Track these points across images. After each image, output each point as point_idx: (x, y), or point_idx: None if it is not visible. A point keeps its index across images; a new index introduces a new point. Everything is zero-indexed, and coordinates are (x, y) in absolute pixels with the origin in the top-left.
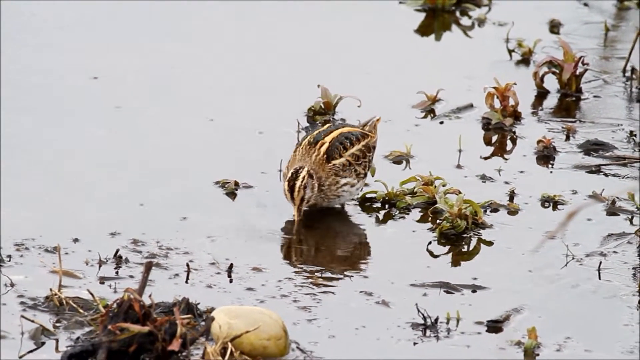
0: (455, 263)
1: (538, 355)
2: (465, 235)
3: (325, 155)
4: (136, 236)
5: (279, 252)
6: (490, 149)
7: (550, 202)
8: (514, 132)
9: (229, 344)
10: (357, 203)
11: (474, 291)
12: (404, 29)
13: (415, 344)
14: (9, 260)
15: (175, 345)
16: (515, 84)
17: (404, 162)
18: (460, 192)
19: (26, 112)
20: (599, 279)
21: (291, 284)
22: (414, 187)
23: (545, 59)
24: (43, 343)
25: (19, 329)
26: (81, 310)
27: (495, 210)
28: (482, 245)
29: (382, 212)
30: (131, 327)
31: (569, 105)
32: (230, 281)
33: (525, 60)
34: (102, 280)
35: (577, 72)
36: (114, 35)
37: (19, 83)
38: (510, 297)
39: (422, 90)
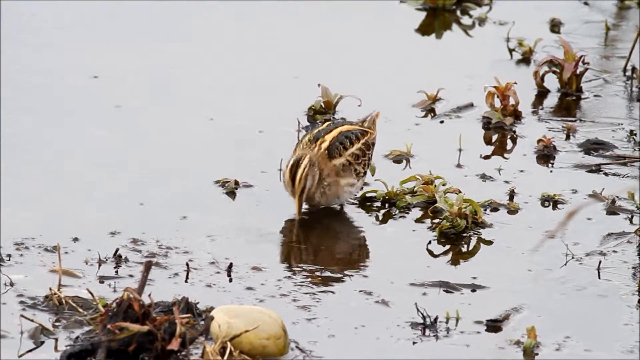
0: (455, 262)
1: (537, 354)
2: (465, 234)
3: (326, 152)
4: (136, 235)
5: (278, 251)
6: (491, 148)
7: (550, 201)
8: (514, 132)
9: (228, 343)
10: (357, 202)
11: (473, 290)
12: (405, 28)
13: (414, 343)
14: (9, 260)
15: (174, 345)
16: (515, 83)
17: (404, 161)
18: (460, 192)
19: (26, 112)
20: (599, 278)
21: (291, 283)
22: (414, 187)
23: (546, 58)
24: (42, 342)
25: (19, 329)
26: (81, 310)
27: (495, 209)
28: (481, 244)
29: (382, 211)
30: (130, 326)
31: (569, 104)
32: (230, 280)
33: (525, 60)
34: (102, 279)
35: (578, 72)
36: (114, 35)
37: (19, 83)
38: (509, 296)
39: (422, 90)
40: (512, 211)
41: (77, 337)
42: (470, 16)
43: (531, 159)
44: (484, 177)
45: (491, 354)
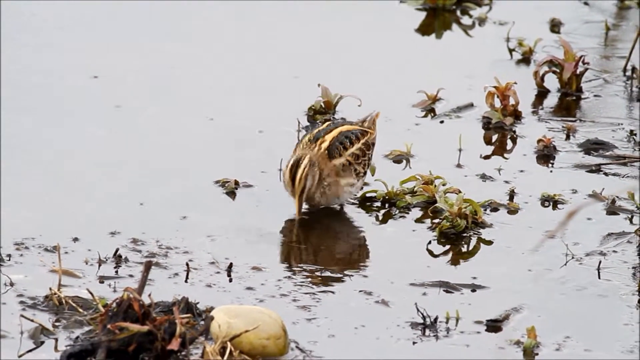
0: (454, 262)
1: (537, 354)
2: (465, 234)
3: (326, 152)
4: (136, 235)
5: (278, 251)
6: (491, 148)
7: (550, 201)
8: (514, 132)
9: (228, 343)
10: (357, 202)
11: (473, 290)
12: (405, 28)
13: (414, 343)
14: (9, 260)
15: (174, 345)
16: (515, 83)
17: (404, 161)
18: (460, 192)
19: (26, 112)
20: (599, 278)
21: (291, 283)
22: (414, 187)
23: (546, 58)
24: (42, 342)
25: (19, 328)
26: (81, 310)
27: (495, 209)
28: (481, 244)
29: (382, 211)
30: (130, 326)
31: (569, 104)
32: (230, 280)
33: (525, 60)
34: (102, 279)
35: (578, 72)
36: (114, 35)
37: (19, 83)
38: (509, 296)
39: (422, 90)
40: (512, 211)
41: (77, 337)
42: (470, 16)
43: (531, 159)
44: (484, 177)
45: (491, 354)
